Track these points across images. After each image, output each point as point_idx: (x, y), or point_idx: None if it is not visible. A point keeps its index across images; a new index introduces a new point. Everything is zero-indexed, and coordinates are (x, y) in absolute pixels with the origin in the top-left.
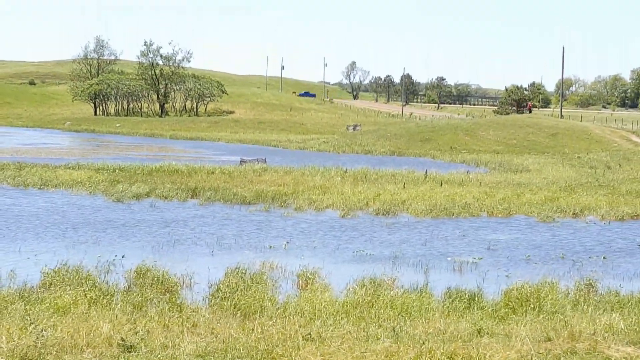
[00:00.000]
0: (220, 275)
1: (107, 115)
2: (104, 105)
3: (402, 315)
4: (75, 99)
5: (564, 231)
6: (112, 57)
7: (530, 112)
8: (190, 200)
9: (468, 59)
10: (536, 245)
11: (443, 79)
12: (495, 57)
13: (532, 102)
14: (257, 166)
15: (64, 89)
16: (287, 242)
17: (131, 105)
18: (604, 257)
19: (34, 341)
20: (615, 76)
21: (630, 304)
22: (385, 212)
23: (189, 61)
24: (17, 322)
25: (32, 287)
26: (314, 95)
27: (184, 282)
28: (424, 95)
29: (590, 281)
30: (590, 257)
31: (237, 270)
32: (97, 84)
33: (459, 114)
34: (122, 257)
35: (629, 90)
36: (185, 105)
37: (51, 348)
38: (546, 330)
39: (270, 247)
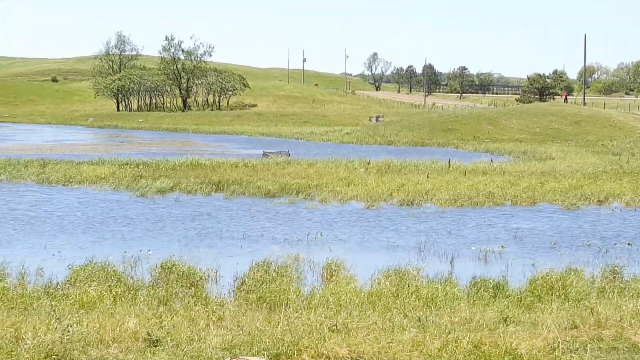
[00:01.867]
0: (246, 268)
1: (130, 110)
2: (126, 100)
3: (427, 305)
4: (98, 95)
5: (588, 218)
6: (134, 53)
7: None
8: (215, 194)
9: (490, 48)
10: (561, 233)
11: (465, 69)
12: (517, 45)
13: (557, 89)
14: (280, 159)
15: (86, 86)
16: (321, 234)
17: (154, 100)
18: (629, 244)
19: (59, 337)
20: (638, 62)
21: None
22: (409, 203)
23: (210, 55)
24: (43, 318)
25: (58, 283)
26: None
27: (209, 276)
28: (446, 85)
29: (616, 268)
30: (615, 244)
31: (262, 263)
32: (119, 79)
33: (481, 103)
34: (148, 252)
35: None
36: (207, 99)
37: (77, 343)
38: (572, 317)
39: (297, 239)
